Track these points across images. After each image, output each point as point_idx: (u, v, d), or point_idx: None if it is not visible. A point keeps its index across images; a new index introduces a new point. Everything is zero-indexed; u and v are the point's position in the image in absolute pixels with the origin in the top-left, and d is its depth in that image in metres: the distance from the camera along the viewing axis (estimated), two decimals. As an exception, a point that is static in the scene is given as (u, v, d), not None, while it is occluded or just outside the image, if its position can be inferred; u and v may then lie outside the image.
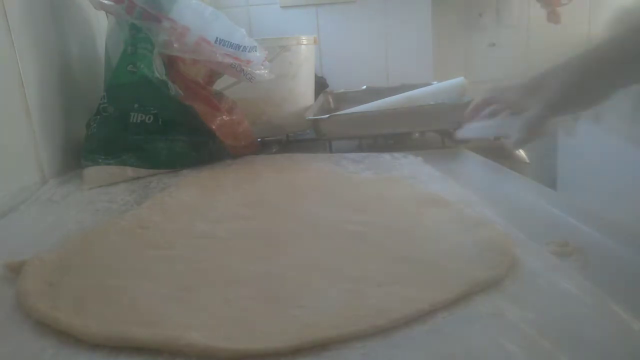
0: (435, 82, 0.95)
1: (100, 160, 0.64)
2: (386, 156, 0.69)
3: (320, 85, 1.14)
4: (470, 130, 0.65)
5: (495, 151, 0.69)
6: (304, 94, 0.91)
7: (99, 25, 0.82)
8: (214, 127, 0.70)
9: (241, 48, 0.71)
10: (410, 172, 0.61)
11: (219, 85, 0.79)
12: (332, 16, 1.43)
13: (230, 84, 0.80)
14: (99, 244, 0.42)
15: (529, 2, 1.57)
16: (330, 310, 0.30)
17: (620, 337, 0.27)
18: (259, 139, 0.87)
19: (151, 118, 0.67)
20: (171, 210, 0.50)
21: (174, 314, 0.30)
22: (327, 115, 0.78)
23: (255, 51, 0.72)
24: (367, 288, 0.32)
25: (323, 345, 0.27)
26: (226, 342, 0.27)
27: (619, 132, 0.92)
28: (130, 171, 0.65)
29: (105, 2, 0.67)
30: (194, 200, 0.54)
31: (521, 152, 0.74)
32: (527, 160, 0.72)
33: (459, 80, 0.86)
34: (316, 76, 1.00)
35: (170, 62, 0.71)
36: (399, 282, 0.33)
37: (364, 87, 1.06)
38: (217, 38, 0.69)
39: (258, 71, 0.72)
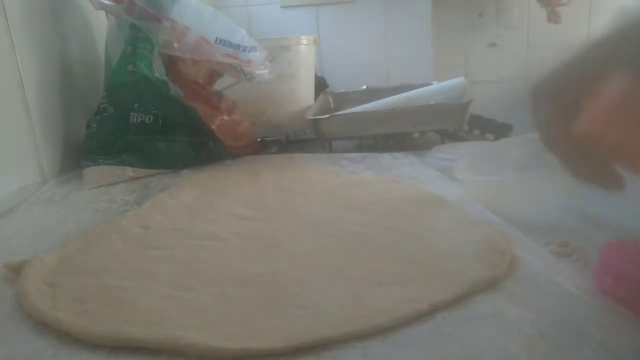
0: (435, 82, 0.95)
1: (100, 160, 0.64)
2: (386, 156, 0.69)
3: (320, 85, 1.14)
4: None
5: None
6: (304, 94, 0.91)
7: (99, 25, 0.82)
8: (213, 127, 0.70)
9: (241, 48, 0.71)
10: (410, 172, 0.61)
11: (219, 85, 0.79)
12: (332, 16, 1.43)
13: (230, 84, 0.80)
14: (99, 244, 0.42)
15: (529, 2, 1.57)
16: (330, 310, 0.30)
17: (620, 337, 0.27)
18: (259, 139, 0.87)
19: (151, 118, 0.67)
20: (171, 211, 0.50)
21: (174, 314, 0.30)
22: (327, 115, 0.78)
23: (255, 51, 0.72)
24: (367, 288, 0.32)
25: (323, 345, 0.27)
26: (226, 342, 0.27)
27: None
28: (130, 171, 0.65)
29: (106, 2, 0.67)
30: (194, 201, 0.54)
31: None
32: None
33: (459, 80, 0.86)
34: (316, 76, 1.00)
35: (171, 62, 0.71)
36: (399, 281, 0.33)
37: (364, 87, 1.07)
38: (217, 38, 0.69)
39: (258, 71, 0.72)
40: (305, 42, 0.88)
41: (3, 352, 0.28)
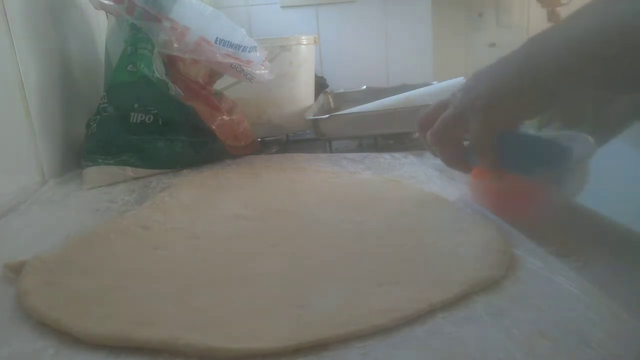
0: (435, 82, 0.95)
1: (100, 161, 0.64)
2: (386, 156, 0.69)
3: (320, 85, 1.14)
4: None
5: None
6: (304, 94, 0.91)
7: (99, 26, 0.82)
8: (214, 127, 0.70)
9: (241, 48, 0.71)
10: (410, 172, 0.61)
11: (219, 85, 0.79)
12: (332, 16, 1.43)
13: (230, 84, 0.80)
14: (99, 244, 0.42)
15: (529, 2, 1.57)
16: (330, 310, 0.30)
17: (620, 337, 0.27)
18: (259, 139, 0.87)
19: (151, 118, 0.67)
20: (171, 211, 0.50)
21: (174, 313, 0.30)
22: (327, 115, 0.78)
23: (256, 51, 0.72)
24: (367, 288, 0.33)
25: (323, 345, 0.27)
26: (226, 341, 0.27)
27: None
28: (130, 171, 0.65)
29: (106, 2, 0.67)
30: (194, 201, 0.54)
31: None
32: None
33: (459, 80, 0.86)
34: (316, 76, 1.00)
35: (171, 62, 0.71)
36: (399, 282, 0.33)
37: (364, 87, 1.07)
38: (217, 38, 0.69)
39: (258, 71, 0.72)
40: (305, 42, 0.88)
41: (3, 352, 0.28)
